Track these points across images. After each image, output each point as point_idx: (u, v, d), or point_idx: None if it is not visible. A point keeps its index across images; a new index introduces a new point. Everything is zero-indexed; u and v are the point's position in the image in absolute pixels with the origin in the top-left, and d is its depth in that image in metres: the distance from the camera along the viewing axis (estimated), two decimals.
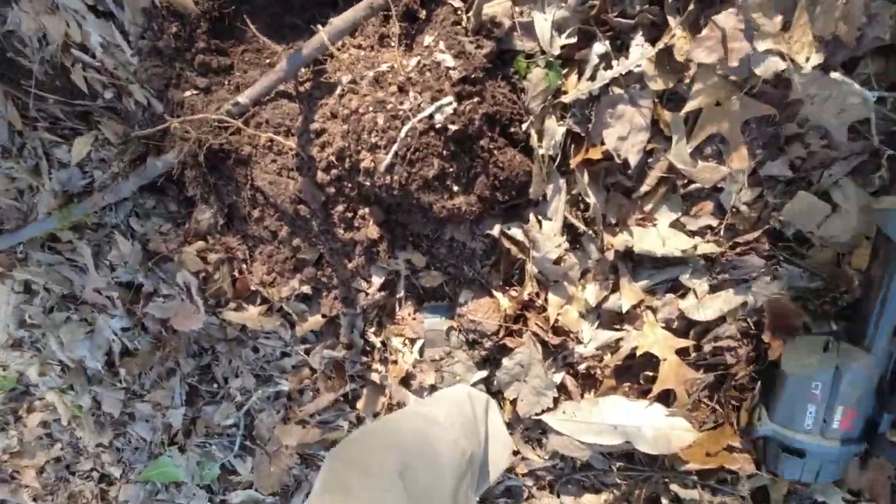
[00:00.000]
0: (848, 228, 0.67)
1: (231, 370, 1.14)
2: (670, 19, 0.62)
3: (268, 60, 0.82)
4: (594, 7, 0.63)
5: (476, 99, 0.64)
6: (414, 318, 0.94)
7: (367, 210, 0.81)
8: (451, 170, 0.67)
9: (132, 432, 1.38)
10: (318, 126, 0.75)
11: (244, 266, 0.94)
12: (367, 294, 0.92)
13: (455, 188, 0.69)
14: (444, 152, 0.65)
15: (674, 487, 0.92)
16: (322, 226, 0.83)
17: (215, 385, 1.18)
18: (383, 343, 0.98)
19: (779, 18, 0.57)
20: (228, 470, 1.35)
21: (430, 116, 0.62)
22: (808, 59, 0.57)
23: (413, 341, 0.95)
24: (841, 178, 0.65)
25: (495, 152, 0.69)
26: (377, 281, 0.91)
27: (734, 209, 0.70)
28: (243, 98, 0.77)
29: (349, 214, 0.82)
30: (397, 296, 0.93)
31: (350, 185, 0.78)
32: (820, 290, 0.72)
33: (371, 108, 0.64)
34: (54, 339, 1.20)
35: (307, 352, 1.03)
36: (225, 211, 0.90)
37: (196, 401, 1.20)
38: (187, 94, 0.83)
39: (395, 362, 0.97)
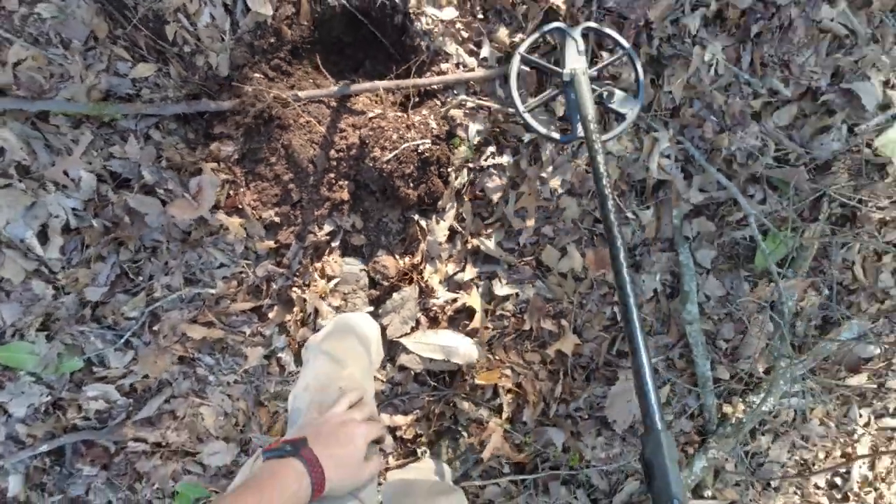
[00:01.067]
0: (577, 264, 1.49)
1: (162, 269, 1.44)
2: (522, 163, 1.41)
3: (316, 82, 1.38)
4: (498, 128, 1.40)
5: (436, 147, 1.32)
6: (336, 262, 1.47)
7: (346, 182, 1.37)
8: (414, 174, 1.31)
9: None
10: (342, 126, 1.33)
11: (239, 190, 1.36)
12: (315, 235, 1.43)
13: (411, 184, 1.33)
14: (415, 164, 1.30)
15: (456, 401, 1.56)
16: (314, 180, 1.36)
17: (140, 278, 1.44)
18: (309, 272, 1.46)
19: None
20: (93, 364, 1.51)
21: (417, 145, 1.27)
22: None
23: (332, 278, 1.47)
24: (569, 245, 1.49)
25: (433, 177, 1.36)
26: (327, 228, 1.43)
27: (522, 245, 1.47)
28: (302, 94, 1.31)
29: (334, 181, 1.37)
30: (333, 244, 1.46)
31: (346, 165, 1.35)
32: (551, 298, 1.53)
33: (391, 129, 1.26)
34: None
35: (247, 266, 1.43)
36: (243, 151, 1.35)
37: (113, 287, 1.42)
38: (256, 75, 1.32)
39: (314, 286, 1.46)
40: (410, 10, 1.32)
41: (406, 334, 1.47)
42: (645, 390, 0.64)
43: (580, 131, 1.16)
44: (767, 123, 1.44)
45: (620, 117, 1.22)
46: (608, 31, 1.22)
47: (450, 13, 1.33)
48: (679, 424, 1.71)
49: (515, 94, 1.19)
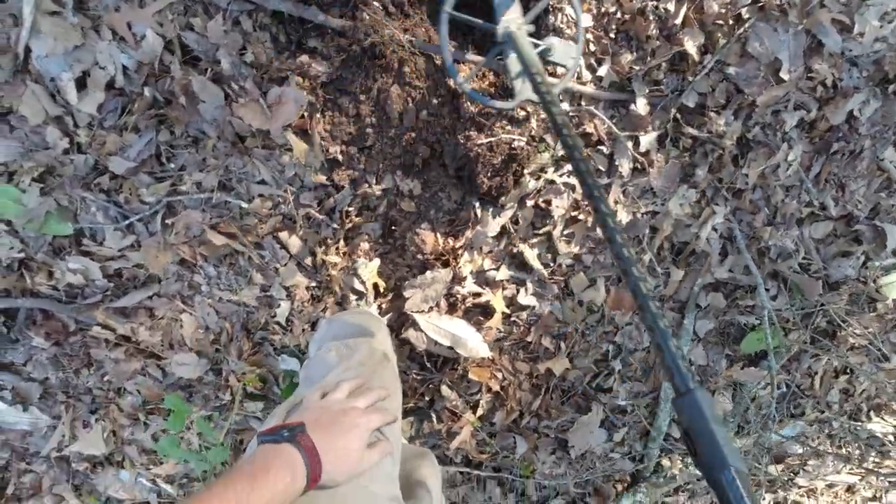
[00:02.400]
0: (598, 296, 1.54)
1: (199, 164, 1.31)
2: None
3: (429, 33, 1.30)
4: None
5: (529, 147, 1.30)
6: (363, 258, 1.42)
7: (424, 147, 1.32)
8: (497, 165, 1.28)
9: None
10: (443, 91, 1.27)
11: (315, 115, 1.26)
12: (370, 186, 1.37)
13: (489, 174, 1.30)
14: (502, 157, 1.27)
15: (442, 387, 1.57)
16: (394, 134, 1.29)
17: (171, 165, 1.31)
18: (347, 229, 1.40)
19: None
20: (83, 236, 1.36)
21: (513, 140, 1.25)
22: None
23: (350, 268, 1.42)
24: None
25: (510, 174, 1.34)
26: (384, 184, 1.37)
27: (558, 265, 1.50)
28: (417, 42, 1.23)
29: (413, 141, 1.31)
30: (377, 212, 1.40)
31: (432, 131, 1.29)
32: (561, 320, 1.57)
33: (494, 115, 1.22)
34: (28, 20, 1.14)
35: (290, 193, 1.34)
36: (333, 77, 1.25)
37: (140, 166, 1.28)
38: (376, 4, 1.23)
39: (350, 242, 1.40)
40: (552, 1, 1.28)
41: (422, 312, 1.46)
42: (665, 344, 0.55)
43: (523, 93, 1.15)
44: (805, 231, 1.55)
45: (564, 69, 1.23)
46: None
47: (586, 20, 1.29)
48: (622, 463, 1.83)
49: (448, 57, 1.12)
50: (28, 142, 1.26)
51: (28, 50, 1.17)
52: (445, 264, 1.44)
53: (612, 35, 1.32)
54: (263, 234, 1.38)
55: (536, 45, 1.17)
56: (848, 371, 1.80)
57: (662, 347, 0.56)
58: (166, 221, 1.35)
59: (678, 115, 1.37)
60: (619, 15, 1.30)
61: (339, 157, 1.32)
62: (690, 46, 1.30)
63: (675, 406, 0.51)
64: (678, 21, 1.29)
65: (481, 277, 1.49)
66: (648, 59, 1.33)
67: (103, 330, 1.44)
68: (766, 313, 1.53)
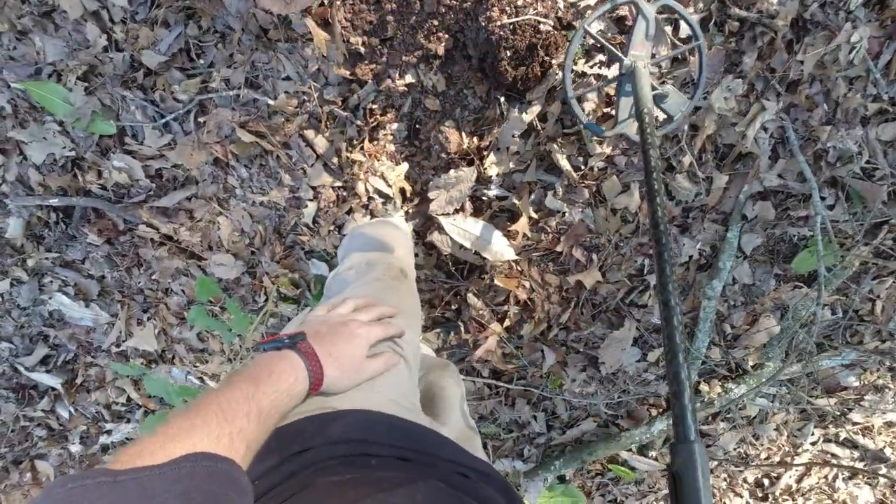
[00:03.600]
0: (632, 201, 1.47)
1: (226, 60, 1.34)
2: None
3: None
4: (616, 38, 1.31)
5: (555, 31, 1.23)
6: (385, 157, 1.40)
7: (446, 36, 1.28)
8: (522, 51, 1.23)
9: (36, 42, 1.34)
10: None
11: (334, 2, 1.25)
12: (394, 82, 1.35)
13: (514, 62, 1.25)
14: (527, 42, 1.21)
15: (468, 295, 1.57)
16: (415, 21, 1.26)
17: (201, 62, 1.34)
18: (372, 127, 1.40)
19: None
20: (125, 135, 1.44)
21: (539, 22, 1.18)
22: None
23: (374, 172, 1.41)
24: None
25: (536, 63, 1.28)
26: (407, 79, 1.35)
27: (590, 168, 1.43)
28: None
29: (435, 29, 1.27)
30: (402, 111, 1.39)
31: (454, 16, 1.25)
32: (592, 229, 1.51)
33: None
34: None
35: (314, 89, 1.35)
36: None
37: (172, 60, 1.33)
38: None
39: (375, 142, 1.40)
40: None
41: (447, 214, 1.44)
42: (680, 393, 0.58)
43: (622, 127, 1.17)
44: (871, 132, 1.39)
45: (667, 118, 1.18)
46: (684, 13, 1.14)
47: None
48: (656, 386, 1.78)
49: (569, 74, 1.15)
50: (71, 40, 1.33)
51: None
52: (470, 163, 1.41)
53: None
54: (290, 132, 1.40)
55: (654, 88, 1.13)
56: None
57: (678, 396, 0.58)
58: (199, 120, 1.40)
59: None
60: None
61: (361, 49, 1.30)
62: None
63: (671, 450, 0.54)
64: None
65: (508, 180, 1.46)
66: None
67: (148, 229, 1.53)
68: (820, 221, 1.41)
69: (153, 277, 1.62)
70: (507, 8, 1.17)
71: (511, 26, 1.18)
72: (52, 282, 1.64)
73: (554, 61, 1.31)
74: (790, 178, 1.46)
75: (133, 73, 1.34)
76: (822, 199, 1.47)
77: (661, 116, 1.25)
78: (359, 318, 0.76)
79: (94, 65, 1.35)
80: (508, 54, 1.22)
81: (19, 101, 1.41)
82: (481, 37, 1.22)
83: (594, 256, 1.57)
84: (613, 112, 1.22)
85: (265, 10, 1.21)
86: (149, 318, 1.70)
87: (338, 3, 1.25)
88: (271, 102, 1.36)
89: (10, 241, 1.56)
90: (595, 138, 1.40)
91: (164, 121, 1.39)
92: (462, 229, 1.44)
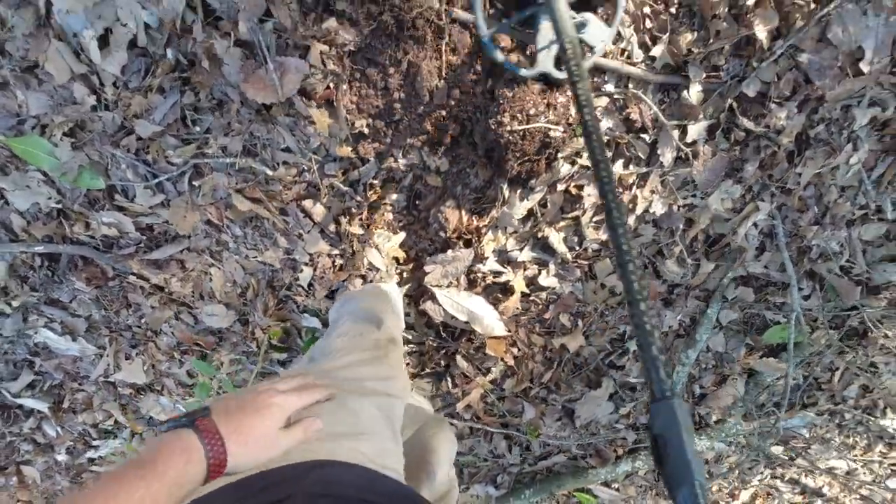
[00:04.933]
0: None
1: (224, 128, 1.29)
2: (629, 179, 1.35)
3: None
4: (623, 136, 1.30)
5: (565, 134, 1.22)
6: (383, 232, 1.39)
7: (454, 125, 1.26)
8: (529, 153, 1.22)
9: (18, 95, 1.26)
10: (479, 68, 1.18)
11: (341, 87, 1.20)
12: (395, 161, 1.33)
13: (520, 161, 1.24)
14: (536, 146, 1.20)
15: (457, 357, 1.62)
16: (423, 111, 1.23)
17: (197, 128, 1.29)
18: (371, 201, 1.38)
19: None
20: (115, 191, 1.39)
21: (549, 129, 1.17)
22: None
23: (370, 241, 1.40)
24: None
25: (543, 159, 1.27)
26: (410, 159, 1.33)
27: (584, 249, 1.46)
28: (457, 13, 1.13)
29: (443, 119, 1.24)
30: (402, 184, 1.37)
31: (464, 109, 1.22)
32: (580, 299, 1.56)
33: (531, 102, 1.14)
34: None
35: (315, 162, 1.32)
36: (361, 45, 1.17)
37: (167, 129, 1.27)
38: None
39: (374, 212, 1.39)
40: None
41: (441, 287, 1.47)
42: (648, 346, 0.55)
43: (543, 62, 1.11)
44: (854, 233, 1.45)
45: (589, 48, 1.15)
46: None
47: None
48: (625, 433, 1.90)
49: (480, 13, 1.06)
50: (57, 96, 1.26)
51: (49, 4, 1.13)
52: (468, 244, 1.42)
53: (672, 10, 1.18)
54: (288, 200, 1.38)
55: (572, 17, 1.07)
56: (871, 370, 1.77)
57: (645, 350, 0.56)
58: (193, 183, 1.36)
59: (734, 105, 1.25)
60: None
61: (365, 130, 1.27)
62: (761, 30, 1.15)
63: (650, 411, 0.50)
64: (750, 0, 1.14)
65: (503, 257, 1.48)
66: (711, 40, 1.19)
67: (138, 279, 1.51)
68: (795, 316, 1.48)
69: (143, 320, 1.61)
70: (518, 115, 1.15)
71: (521, 132, 1.17)
72: (37, 319, 1.62)
73: (560, 155, 1.30)
74: (773, 269, 1.52)
75: (125, 135, 1.28)
76: (800, 289, 1.54)
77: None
78: (275, 388, 0.70)
79: (82, 121, 1.28)
80: (517, 155, 1.21)
81: (0, 149, 1.34)
82: (490, 136, 1.21)
83: (580, 322, 1.62)
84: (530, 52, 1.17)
85: (252, 96, 1.16)
86: (137, 354, 1.71)
87: (343, 87, 1.20)
88: (270, 173, 1.32)
89: None
90: (594, 222, 1.42)
91: (156, 181, 1.35)
92: (455, 302, 1.47)
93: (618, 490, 2.07)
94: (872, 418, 1.88)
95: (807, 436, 1.96)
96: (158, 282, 1.52)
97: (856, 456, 2.05)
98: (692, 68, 1.21)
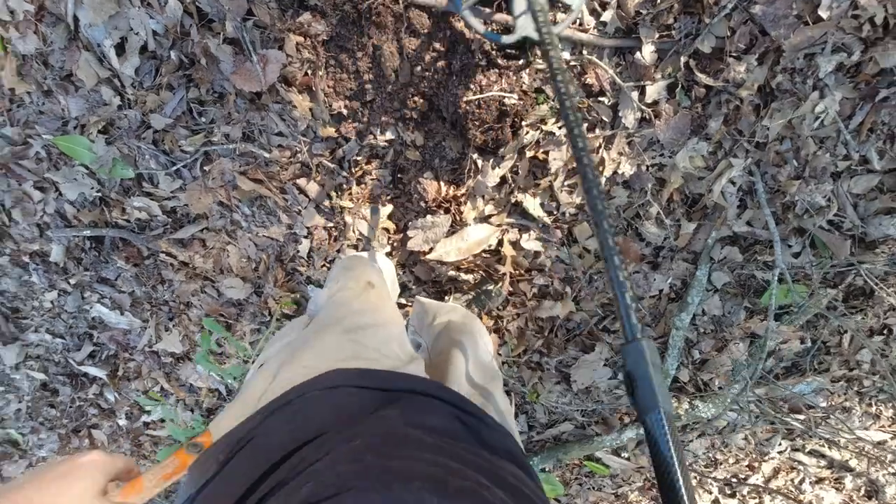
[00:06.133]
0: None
1: (225, 118, 1.47)
2: (593, 142, 1.40)
3: None
4: (585, 101, 1.37)
5: (521, 101, 1.30)
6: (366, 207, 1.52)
7: (421, 101, 1.37)
8: (488, 121, 1.31)
9: (60, 100, 1.50)
10: (436, 45, 1.29)
11: (318, 72, 1.35)
12: (375, 138, 1.46)
13: (481, 130, 1.33)
14: (494, 114, 1.29)
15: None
16: (392, 89, 1.35)
17: (203, 119, 1.48)
18: (358, 176, 1.52)
19: None
20: (143, 179, 1.61)
21: (503, 97, 1.25)
22: None
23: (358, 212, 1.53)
24: None
25: (506, 127, 1.36)
26: (388, 136, 1.45)
27: (562, 213, 1.52)
28: None
29: (411, 95, 1.36)
30: (385, 160, 1.50)
31: (426, 84, 1.33)
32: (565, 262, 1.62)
33: (483, 71, 1.23)
34: None
35: (304, 143, 1.47)
36: (332, 34, 1.31)
37: (177, 121, 1.47)
38: None
39: (362, 186, 1.53)
40: None
41: (424, 252, 1.58)
42: (625, 300, 0.59)
43: (523, 30, 1.15)
44: (842, 186, 1.42)
45: (566, 8, 1.19)
46: None
47: None
48: (626, 400, 1.92)
49: None
50: (91, 99, 1.49)
51: (76, 20, 1.35)
52: (447, 211, 1.52)
53: None
54: (285, 180, 1.54)
55: None
56: (886, 331, 1.69)
57: (618, 297, 0.60)
58: (204, 168, 1.55)
59: (691, 63, 1.28)
60: None
61: (344, 112, 1.41)
62: None
63: (622, 352, 0.55)
64: None
65: (484, 221, 1.57)
66: (659, 1, 1.23)
67: (168, 257, 1.73)
68: (779, 273, 1.47)
69: (175, 294, 1.84)
70: (472, 86, 1.24)
71: (476, 102, 1.26)
72: (91, 295, 1.89)
73: (524, 122, 1.38)
74: (758, 226, 1.51)
75: (145, 129, 1.49)
76: (789, 246, 1.52)
77: (559, 17, 1.27)
78: (94, 450, 0.54)
79: (112, 119, 1.51)
80: (476, 124, 1.31)
81: (52, 148, 1.59)
82: (451, 109, 1.31)
83: (568, 288, 1.68)
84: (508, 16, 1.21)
85: (240, 85, 1.32)
86: (174, 326, 1.95)
87: (320, 72, 1.35)
88: (267, 155, 1.49)
89: (55, 263, 1.80)
90: (566, 186, 1.48)
91: (174, 168, 1.55)
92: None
93: (628, 459, 2.09)
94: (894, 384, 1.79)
95: (824, 405, 1.90)
96: (184, 258, 1.73)
97: (883, 427, 1.96)
98: (643, 30, 1.25)
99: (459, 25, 1.29)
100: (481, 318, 1.73)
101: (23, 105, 1.52)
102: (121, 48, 1.37)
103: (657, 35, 1.26)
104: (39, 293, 1.92)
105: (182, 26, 1.34)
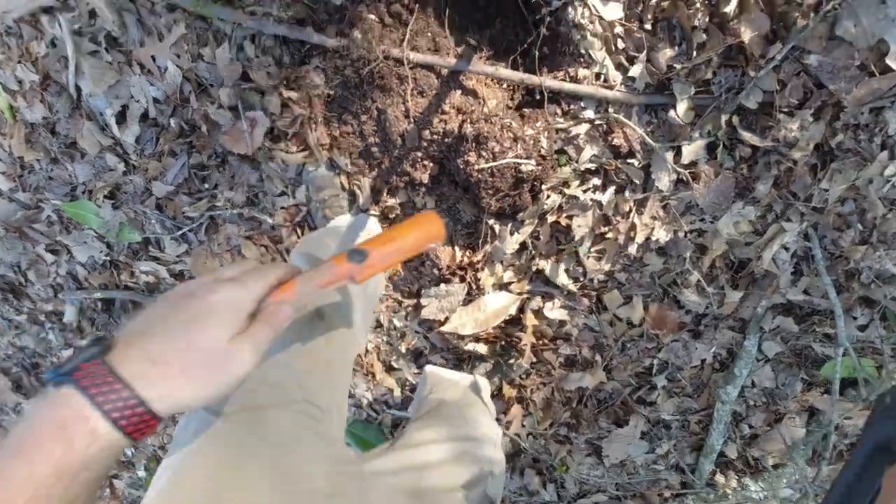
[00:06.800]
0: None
1: (228, 181, 1.41)
2: (624, 206, 1.26)
3: (435, 38, 1.19)
4: (612, 162, 1.23)
5: (539, 167, 1.18)
6: None
7: (432, 165, 1.26)
8: (504, 190, 1.19)
9: (68, 167, 1.47)
10: (446, 107, 1.18)
11: (312, 126, 1.26)
12: (384, 200, 1.36)
13: (496, 198, 1.21)
14: (509, 182, 1.17)
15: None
16: (399, 153, 1.25)
17: (206, 185, 1.42)
18: None
19: None
20: (149, 243, 1.57)
21: (519, 164, 1.13)
22: None
23: None
24: None
25: (524, 192, 1.23)
26: (397, 199, 1.35)
27: (589, 280, 1.38)
28: (414, 57, 1.14)
29: (420, 159, 1.25)
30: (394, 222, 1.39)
31: (436, 148, 1.22)
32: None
33: (496, 137, 1.11)
34: (72, 63, 1.27)
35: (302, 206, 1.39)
36: (334, 95, 1.23)
37: (179, 188, 1.42)
38: (371, 17, 1.15)
39: None
40: None
41: (439, 321, 1.46)
42: None
43: None
44: None
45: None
46: None
47: (615, 11, 1.09)
48: (666, 474, 1.74)
49: None
50: (97, 165, 1.45)
51: (78, 89, 1.31)
52: (462, 280, 1.41)
53: (647, 26, 1.10)
54: (291, 244, 1.46)
55: None
56: None
57: None
58: (210, 233, 1.49)
59: (734, 120, 1.13)
60: (653, 1, 1.07)
61: (349, 170, 1.32)
62: (750, 36, 1.03)
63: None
64: (732, 6, 1.02)
65: (505, 289, 1.44)
66: (694, 53, 1.08)
67: None
68: (843, 351, 1.28)
69: None
70: (484, 153, 1.13)
71: (490, 170, 1.14)
72: None
73: (544, 186, 1.25)
74: (816, 295, 1.33)
75: (148, 196, 1.45)
76: (854, 318, 1.32)
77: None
78: (220, 277, 0.47)
79: (118, 184, 1.47)
80: (490, 192, 1.19)
81: (63, 213, 1.57)
82: (461, 175, 1.20)
83: (598, 356, 1.53)
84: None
85: (230, 147, 1.25)
86: None
87: (323, 130, 1.26)
88: (270, 221, 1.42)
89: (69, 323, 1.78)
90: (593, 252, 1.34)
91: (180, 232, 1.50)
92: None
93: None
94: None
95: None
96: None
97: None
98: (677, 85, 1.11)
99: (470, 84, 1.18)
100: (502, 388, 1.60)
101: (33, 171, 1.51)
102: (122, 116, 1.33)
103: (693, 90, 1.11)
104: (57, 350, 1.90)
105: (182, 93, 1.29)
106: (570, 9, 1.10)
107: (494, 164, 1.13)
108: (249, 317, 0.45)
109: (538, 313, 1.45)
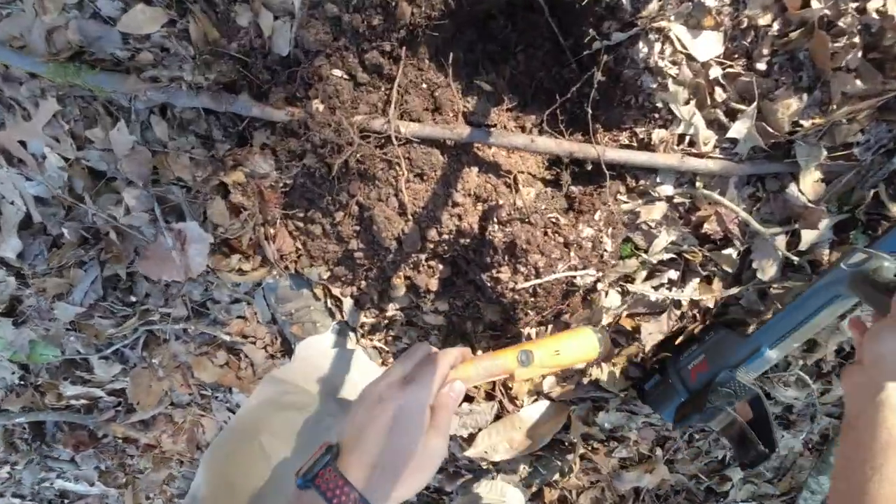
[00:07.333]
0: None
1: (162, 292, 1.03)
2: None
3: (433, 93, 0.80)
4: (696, 248, 0.88)
5: (600, 272, 0.82)
6: None
7: (442, 267, 0.90)
8: (549, 307, 0.83)
9: None
10: (458, 198, 0.81)
11: (265, 229, 0.88)
12: (380, 310, 1.00)
13: (538, 317, 0.86)
14: (558, 298, 0.81)
15: None
16: (394, 259, 0.88)
17: (132, 297, 1.04)
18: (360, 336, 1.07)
19: None
20: (75, 364, 1.20)
21: (574, 277, 0.77)
22: None
23: None
24: None
25: (576, 300, 0.88)
26: (399, 304, 0.99)
27: None
28: (406, 130, 0.76)
29: (424, 262, 0.89)
30: (391, 332, 1.04)
31: (445, 247, 0.86)
32: None
33: (538, 244, 0.75)
34: None
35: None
36: (294, 184, 0.84)
37: (93, 309, 1.03)
38: (337, 73, 0.75)
39: None
40: (640, 20, 0.70)
41: (463, 439, 1.14)
42: None
43: None
44: None
45: None
46: None
47: (711, 47, 0.71)
48: None
49: None
50: None
51: None
52: (491, 397, 1.07)
53: (760, 66, 0.72)
54: (258, 363, 1.11)
55: None
56: None
57: None
58: (152, 350, 1.13)
59: (880, 190, 0.77)
60: (775, 29, 0.69)
61: (326, 276, 0.95)
62: None
63: None
64: None
65: (544, 399, 1.11)
66: (833, 105, 0.71)
67: (127, 443, 1.33)
68: None
69: (147, 470, 1.45)
70: (523, 269, 0.76)
71: (532, 289, 0.79)
72: (49, 471, 1.52)
73: (600, 285, 0.90)
74: None
75: (52, 319, 1.07)
76: None
77: None
78: (391, 379, 0.51)
79: (16, 297, 1.09)
80: (532, 311, 0.84)
81: None
82: (488, 292, 0.84)
83: (659, 450, 1.23)
84: None
85: (151, 275, 0.88)
86: (157, 495, 1.57)
87: (282, 233, 0.89)
88: (227, 337, 1.06)
89: None
90: None
91: (111, 350, 1.13)
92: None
93: None
94: None
95: None
96: (149, 441, 1.33)
97: None
98: (802, 148, 0.75)
99: (489, 154, 0.81)
100: (542, 491, 1.30)
101: None
102: None
103: (825, 154, 0.75)
104: None
105: (72, 189, 0.89)
106: (641, 44, 0.72)
107: (539, 281, 0.77)
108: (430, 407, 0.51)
109: (587, 419, 1.14)
